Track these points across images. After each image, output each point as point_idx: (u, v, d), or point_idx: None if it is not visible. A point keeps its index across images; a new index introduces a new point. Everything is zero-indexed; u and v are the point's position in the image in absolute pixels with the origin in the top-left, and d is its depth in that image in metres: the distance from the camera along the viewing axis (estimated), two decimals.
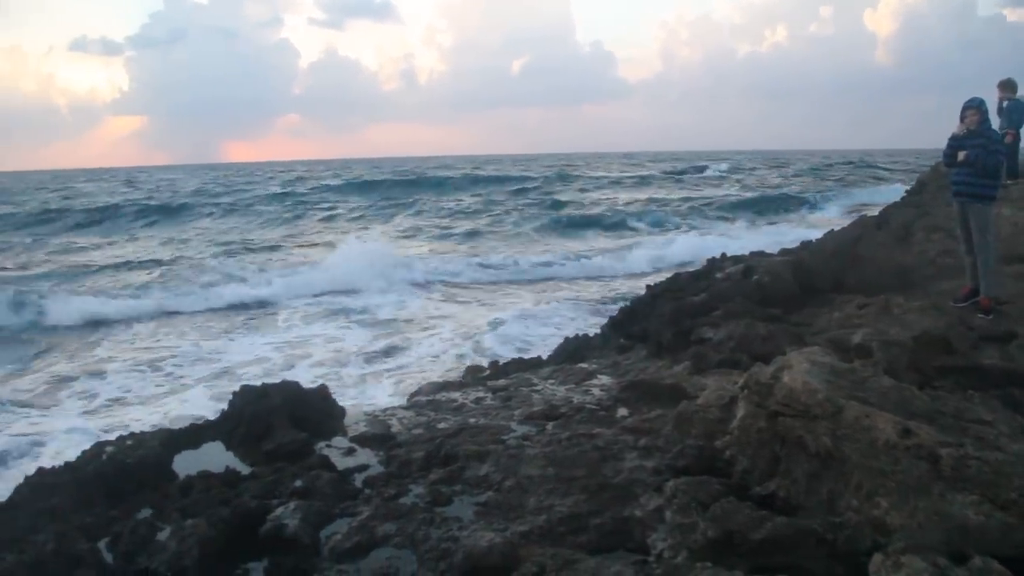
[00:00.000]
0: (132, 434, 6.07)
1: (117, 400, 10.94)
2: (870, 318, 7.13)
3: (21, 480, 5.41)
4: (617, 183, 56.10)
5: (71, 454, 5.99)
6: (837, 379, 4.06)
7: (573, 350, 8.73)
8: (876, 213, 12.61)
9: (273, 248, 29.66)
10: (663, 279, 10.84)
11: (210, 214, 41.67)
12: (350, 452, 5.59)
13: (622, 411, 5.78)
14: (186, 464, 5.61)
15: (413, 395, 7.98)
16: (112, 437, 6.12)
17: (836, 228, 12.38)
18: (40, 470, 5.49)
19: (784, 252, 11.37)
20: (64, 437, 8.94)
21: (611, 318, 9.82)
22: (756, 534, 3.45)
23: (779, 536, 3.42)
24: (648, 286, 10.62)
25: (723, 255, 11.60)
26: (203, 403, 9.89)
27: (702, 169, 70.17)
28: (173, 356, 13.32)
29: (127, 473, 5.28)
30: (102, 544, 4.41)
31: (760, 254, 11.58)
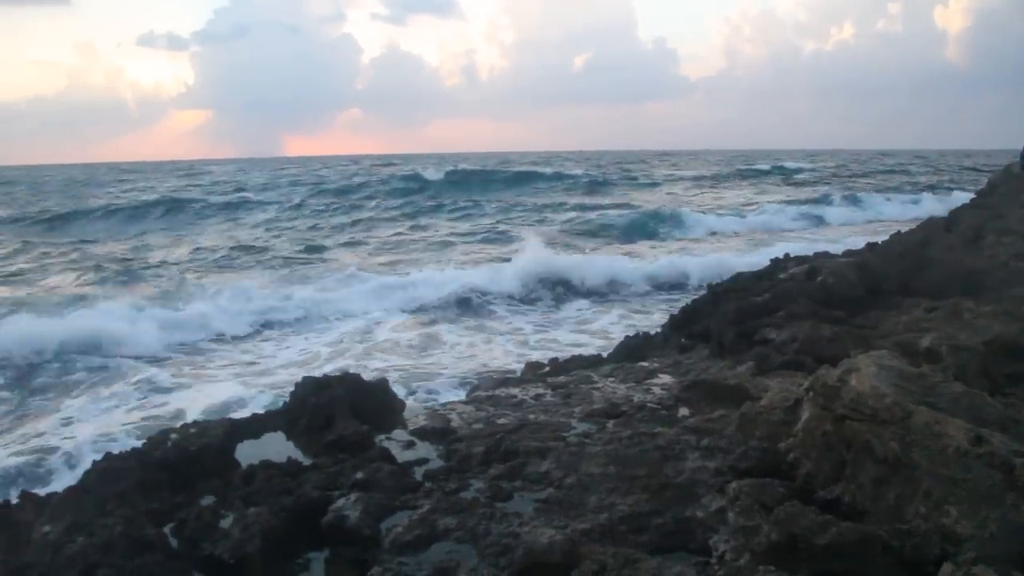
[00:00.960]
0: (196, 422, 6.18)
1: None
2: (939, 322, 6.98)
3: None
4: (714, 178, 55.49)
5: None
6: (906, 383, 3.99)
7: (633, 348, 8.69)
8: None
9: None
10: (725, 279, 10.72)
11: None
12: (410, 445, 5.64)
13: (683, 411, 5.74)
14: (248, 453, 5.70)
15: (473, 390, 8.02)
16: None
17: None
18: (108, 455, 5.61)
19: (849, 253, 11.19)
20: None
21: (672, 317, 9.75)
22: (820, 539, 3.41)
23: (844, 541, 3.38)
24: (709, 285, 10.51)
25: (787, 255, 11.44)
26: None
27: (796, 170, 68.18)
28: None
29: (191, 460, 5.37)
30: (167, 529, 4.49)
31: (824, 255, 11.41)
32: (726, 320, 8.18)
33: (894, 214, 38.42)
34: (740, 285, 10.06)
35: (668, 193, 49.44)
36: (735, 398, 5.68)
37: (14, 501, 5.39)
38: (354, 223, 36.93)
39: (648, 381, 6.91)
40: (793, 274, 9.71)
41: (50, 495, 5.42)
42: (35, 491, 5.51)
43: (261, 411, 6.65)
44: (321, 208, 43.10)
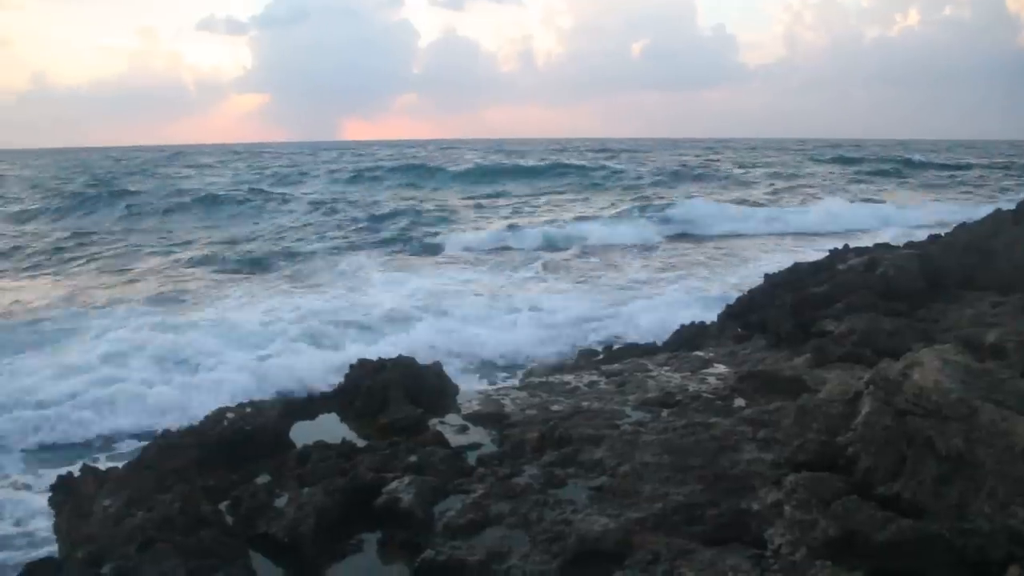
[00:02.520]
0: (251, 402, 6.26)
1: None
2: (1005, 317, 6.81)
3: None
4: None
5: None
6: (972, 379, 3.88)
7: (689, 337, 8.62)
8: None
9: None
10: (783, 269, 10.55)
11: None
12: (463, 430, 5.66)
13: (739, 401, 5.68)
14: (302, 434, 5.77)
15: (526, 375, 8.01)
16: None
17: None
18: (166, 432, 5.72)
19: (910, 245, 10.94)
20: None
21: (728, 306, 9.64)
22: (879, 535, 3.35)
23: (904, 539, 3.31)
24: (766, 275, 10.37)
25: (846, 246, 11.24)
26: None
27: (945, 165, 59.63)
28: None
29: (246, 439, 5.46)
30: (222, 506, 4.57)
31: (885, 246, 11.17)
32: (783, 311, 8.07)
33: None
34: (797, 276, 9.90)
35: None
36: (792, 390, 5.60)
37: (76, 474, 5.53)
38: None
39: (703, 371, 6.85)
40: (852, 266, 9.52)
41: (110, 469, 5.54)
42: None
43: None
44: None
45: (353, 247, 23.37)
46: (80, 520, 5.11)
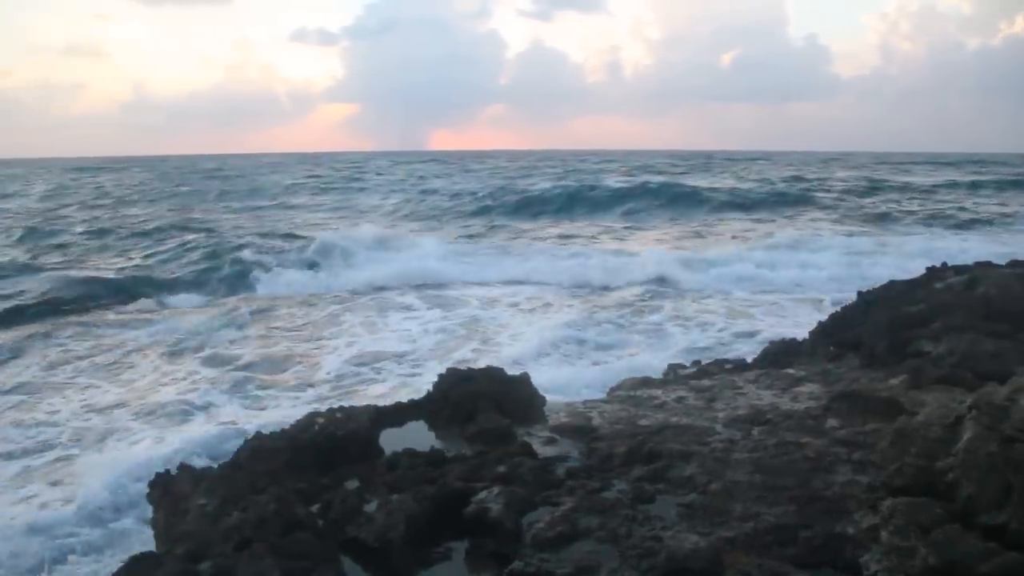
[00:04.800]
0: (342, 407, 6.37)
1: None
2: None
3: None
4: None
5: None
6: None
7: (779, 354, 8.48)
8: None
9: None
10: (877, 286, 10.30)
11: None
12: (551, 441, 5.65)
13: (832, 421, 5.56)
14: (391, 441, 5.84)
15: (613, 389, 7.98)
16: None
17: None
18: (259, 434, 5.85)
19: (1015, 264, 10.58)
20: None
21: (820, 324, 9.44)
22: (982, 567, 3.24)
23: (1009, 572, 3.20)
24: (859, 292, 10.14)
25: (944, 264, 10.92)
26: None
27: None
28: None
29: (337, 444, 5.54)
30: (313, 509, 4.64)
31: (987, 264, 10.83)
32: (878, 330, 7.88)
33: None
34: (892, 294, 9.66)
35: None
36: (888, 411, 5.47)
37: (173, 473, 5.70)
38: None
39: (795, 389, 6.73)
40: (951, 284, 9.25)
41: (205, 468, 5.69)
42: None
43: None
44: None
45: None
46: (177, 517, 5.27)
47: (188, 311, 18.05)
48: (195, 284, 21.54)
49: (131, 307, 18.81)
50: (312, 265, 23.37)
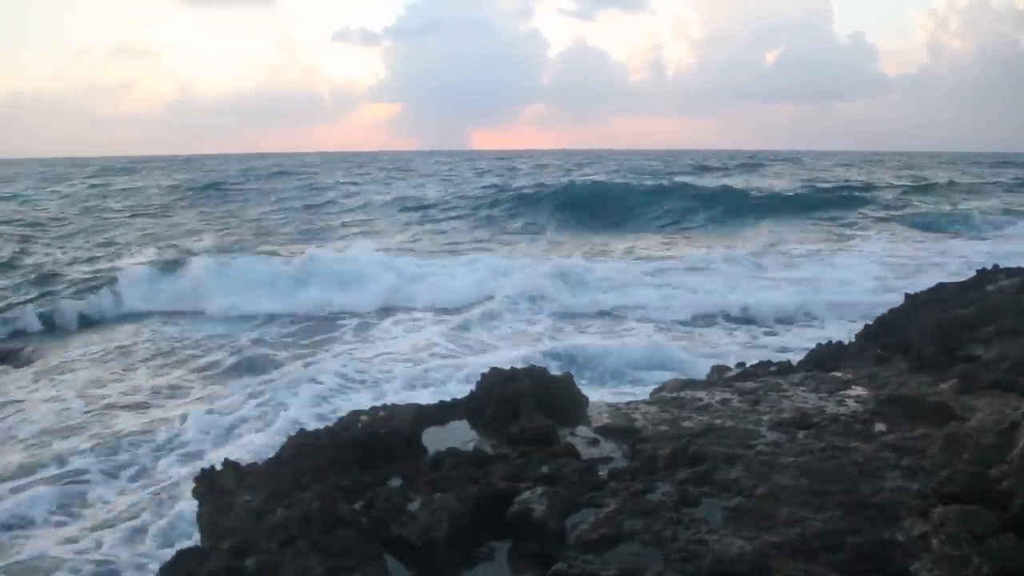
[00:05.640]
0: (384, 406, 6.39)
1: None
2: None
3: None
4: None
5: None
6: None
7: (825, 357, 8.36)
8: None
9: None
10: (924, 289, 10.15)
11: None
12: (594, 442, 5.63)
13: (880, 426, 5.47)
14: (433, 440, 5.85)
15: (656, 391, 7.93)
16: None
17: None
18: (302, 432, 5.88)
19: None
20: None
21: (866, 326, 9.32)
22: None
23: None
24: (907, 295, 10.00)
25: (995, 267, 10.73)
26: None
27: None
28: None
29: (380, 442, 5.56)
30: (356, 507, 4.66)
31: None
32: (927, 333, 7.75)
33: None
34: (941, 296, 9.52)
35: None
36: (938, 416, 5.37)
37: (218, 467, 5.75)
38: None
39: (841, 392, 6.64)
40: (1003, 287, 9.09)
41: (250, 464, 5.74)
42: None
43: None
44: None
45: None
46: (221, 513, 5.32)
47: None
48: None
49: None
50: None
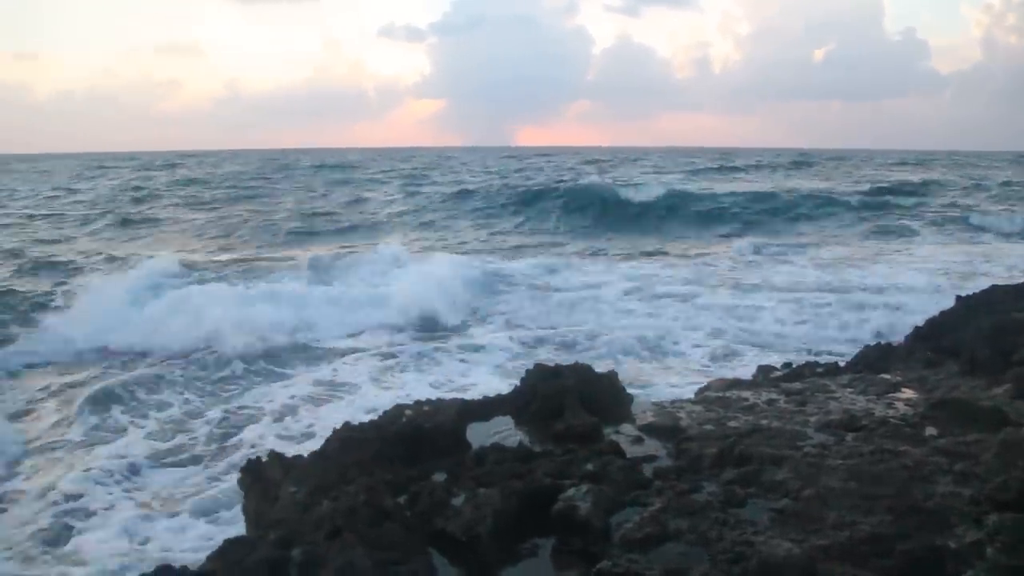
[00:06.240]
0: (429, 400, 6.40)
1: None
2: None
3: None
4: None
5: None
6: None
7: (873, 359, 8.24)
8: None
9: None
10: (977, 291, 9.94)
11: None
12: (638, 441, 5.60)
13: (931, 430, 5.38)
14: (476, 435, 5.85)
15: (701, 390, 7.87)
16: None
17: None
18: (347, 425, 5.91)
19: None
20: None
21: (916, 328, 9.17)
22: None
23: None
24: (958, 297, 9.82)
25: None
26: None
27: None
28: None
29: (424, 437, 5.57)
30: (400, 501, 4.67)
31: None
32: (980, 336, 7.60)
33: None
34: (995, 299, 9.33)
35: None
36: (991, 422, 5.26)
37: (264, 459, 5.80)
38: None
39: (890, 395, 6.54)
40: None
41: (295, 457, 5.78)
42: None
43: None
44: None
45: None
46: (267, 504, 5.37)
47: None
48: None
49: None
50: None
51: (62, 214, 40.65)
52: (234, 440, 10.86)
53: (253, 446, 10.22)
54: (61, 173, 78.05)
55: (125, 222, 37.16)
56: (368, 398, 12.32)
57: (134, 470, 9.87)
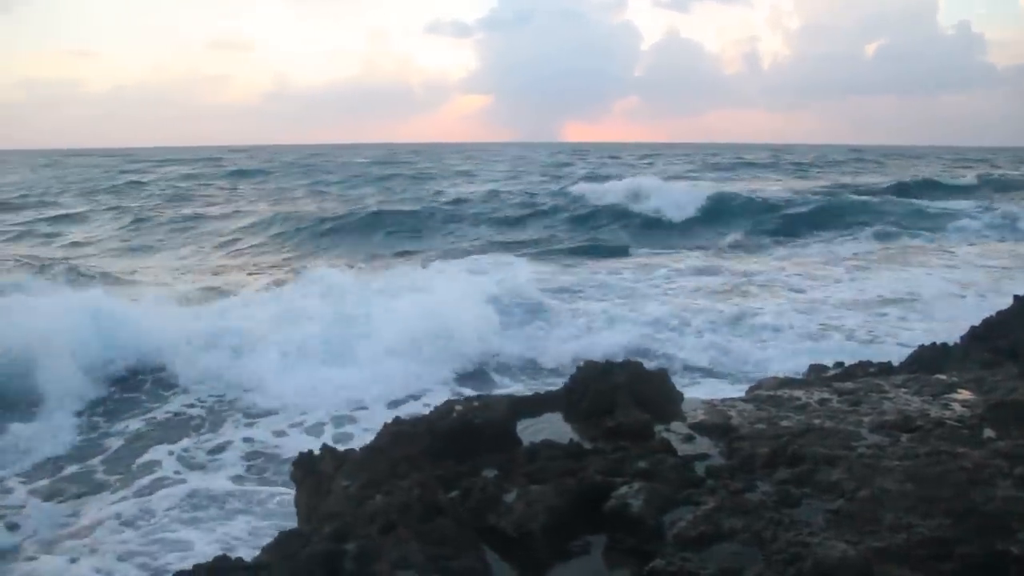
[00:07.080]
0: (479, 396, 6.44)
1: None
2: None
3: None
4: None
5: None
6: None
7: (929, 359, 8.12)
8: None
9: None
10: None
11: None
12: (689, 439, 5.56)
13: (989, 432, 5.28)
14: (526, 431, 5.86)
15: (752, 388, 7.81)
16: None
17: None
18: (398, 419, 5.96)
19: None
20: None
21: (972, 328, 9.03)
22: None
23: None
24: (1016, 296, 9.64)
25: None
26: None
27: None
28: None
29: (475, 433, 5.59)
30: (452, 496, 4.70)
31: None
32: None
33: None
34: None
35: None
36: None
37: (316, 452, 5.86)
38: None
39: (946, 396, 6.43)
40: None
41: (348, 451, 5.84)
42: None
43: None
44: None
45: None
46: (319, 497, 5.42)
47: None
48: None
49: None
50: None
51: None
52: None
53: None
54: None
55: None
56: None
57: None
